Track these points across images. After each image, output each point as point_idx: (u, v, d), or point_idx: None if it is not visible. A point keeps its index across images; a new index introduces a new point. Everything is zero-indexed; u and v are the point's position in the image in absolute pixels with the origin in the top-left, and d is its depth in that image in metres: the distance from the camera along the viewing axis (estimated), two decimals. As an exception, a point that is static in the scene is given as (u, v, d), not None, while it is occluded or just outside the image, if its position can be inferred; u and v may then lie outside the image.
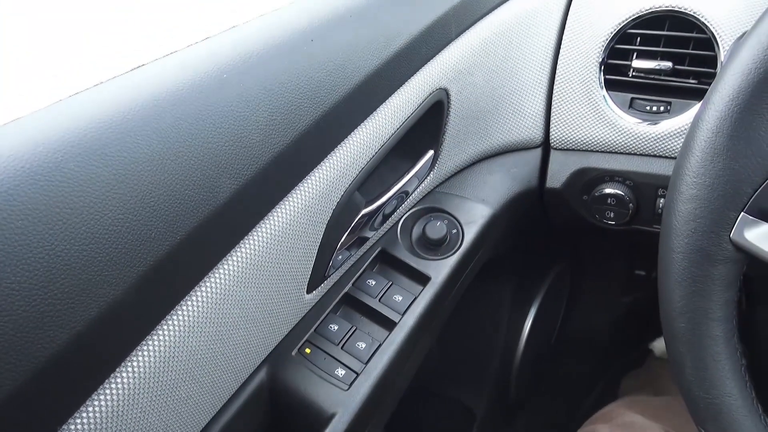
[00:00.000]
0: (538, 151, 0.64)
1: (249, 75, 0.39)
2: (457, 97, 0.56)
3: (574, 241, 0.96)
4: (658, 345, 1.04)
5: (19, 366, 0.28)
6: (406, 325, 0.53)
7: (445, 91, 0.55)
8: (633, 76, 0.58)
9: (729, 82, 0.32)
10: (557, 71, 0.60)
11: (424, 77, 0.52)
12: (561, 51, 0.60)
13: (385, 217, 0.57)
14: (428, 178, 0.60)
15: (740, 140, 0.33)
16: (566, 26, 0.60)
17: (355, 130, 0.47)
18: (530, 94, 0.61)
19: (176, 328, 0.37)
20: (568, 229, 0.81)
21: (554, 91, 0.60)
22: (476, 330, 0.84)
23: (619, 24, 0.57)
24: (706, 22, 0.53)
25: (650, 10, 0.55)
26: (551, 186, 0.63)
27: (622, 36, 0.58)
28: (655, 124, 0.56)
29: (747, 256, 0.35)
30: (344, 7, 0.47)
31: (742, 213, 0.34)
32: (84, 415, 0.33)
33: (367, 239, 0.56)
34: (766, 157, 0.33)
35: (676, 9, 0.54)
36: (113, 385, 0.34)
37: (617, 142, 0.58)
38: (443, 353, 0.84)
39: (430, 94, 0.53)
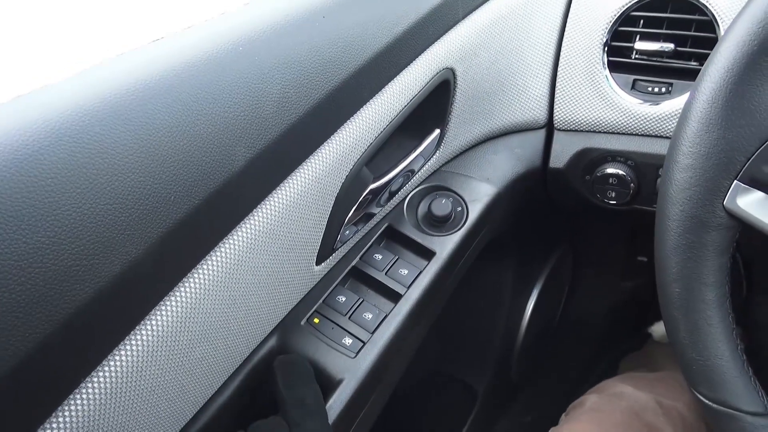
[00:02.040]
0: (542, 132, 0.65)
1: (264, 48, 0.41)
2: (463, 77, 0.58)
3: (577, 226, 0.98)
4: (657, 329, 1.05)
5: (48, 317, 0.30)
6: (411, 297, 0.54)
7: (452, 71, 0.56)
8: (636, 58, 0.59)
9: (724, 54, 0.34)
10: (561, 53, 0.62)
11: (432, 56, 0.53)
12: (565, 33, 0.61)
13: (392, 194, 0.58)
14: (434, 157, 0.61)
15: (734, 110, 0.34)
16: (571, 8, 0.61)
17: (364, 106, 0.48)
18: (534, 75, 0.63)
19: (193, 289, 0.39)
20: (571, 211, 0.82)
21: (558, 73, 0.62)
22: (479, 310, 0.86)
23: (623, 6, 0.58)
24: (707, 3, 0.54)
25: (653, -7, 0.56)
26: (554, 166, 0.64)
27: (626, 18, 0.59)
28: (657, 104, 0.58)
29: (740, 223, 0.36)
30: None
31: (735, 181, 0.35)
32: (105, 369, 0.34)
33: (373, 215, 0.57)
34: (759, 126, 0.34)
35: (677, -8, 0.55)
36: (133, 342, 0.36)
37: (619, 122, 0.60)
38: (446, 333, 0.86)
39: (438, 73, 0.55)
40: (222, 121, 0.38)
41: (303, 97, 0.42)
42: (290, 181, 0.44)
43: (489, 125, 0.64)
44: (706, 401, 0.39)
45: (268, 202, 0.43)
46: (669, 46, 0.56)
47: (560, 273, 0.97)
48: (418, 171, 0.60)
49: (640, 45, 0.58)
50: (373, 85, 0.49)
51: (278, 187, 0.43)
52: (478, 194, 0.62)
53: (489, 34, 0.59)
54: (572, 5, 0.61)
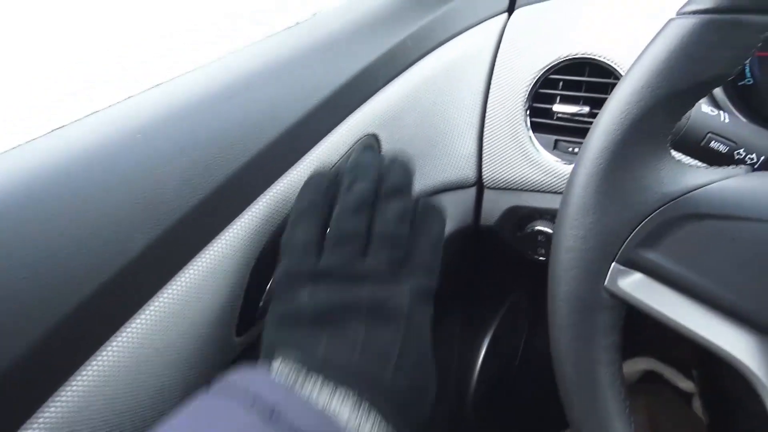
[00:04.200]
0: (473, 190, 0.66)
1: (163, 134, 0.42)
2: (388, 140, 0.59)
3: (531, 270, 0.98)
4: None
5: None
6: (337, 363, 0.54)
7: (375, 136, 0.57)
8: (556, 119, 0.60)
9: (594, 142, 0.35)
10: (487, 114, 0.63)
11: (352, 125, 0.54)
12: (489, 95, 0.63)
13: (322, 257, 0.59)
14: (365, 218, 0.62)
15: (606, 196, 0.35)
16: (494, 72, 0.63)
17: (279, 179, 0.49)
18: (462, 135, 0.64)
19: (89, 378, 0.39)
20: (510, 263, 0.83)
21: (485, 133, 0.63)
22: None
23: (541, 70, 0.59)
24: (618, 69, 0.56)
25: (568, 57, 0.58)
26: (485, 224, 0.65)
27: (546, 81, 0.60)
28: (578, 164, 0.59)
29: (624, 302, 0.37)
30: (265, 63, 0.50)
31: (614, 263, 0.36)
32: None
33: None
34: (630, 211, 0.35)
35: (592, 57, 0.57)
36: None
37: (543, 181, 0.61)
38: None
39: (358, 140, 0.56)
40: (115, 210, 0.38)
41: (206, 180, 0.43)
42: (199, 259, 0.44)
43: (420, 185, 0.65)
44: None
45: (174, 283, 0.43)
46: (585, 109, 0.58)
47: (515, 317, 0.97)
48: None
49: (558, 108, 0.59)
50: (288, 159, 0.49)
51: (186, 266, 0.43)
52: (410, 254, 0.62)
53: (413, 99, 0.60)
54: (495, 68, 0.63)
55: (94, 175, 0.38)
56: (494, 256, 0.73)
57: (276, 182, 0.49)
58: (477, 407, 0.91)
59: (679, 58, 0.32)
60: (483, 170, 0.64)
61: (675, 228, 0.34)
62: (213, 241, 0.45)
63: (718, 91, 0.52)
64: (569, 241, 0.36)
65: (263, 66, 0.50)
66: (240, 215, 0.46)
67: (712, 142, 0.43)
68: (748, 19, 0.31)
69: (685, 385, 0.99)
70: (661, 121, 0.34)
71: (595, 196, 0.35)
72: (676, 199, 0.34)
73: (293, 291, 0.41)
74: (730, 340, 0.35)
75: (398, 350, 0.38)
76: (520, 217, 0.64)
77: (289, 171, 0.50)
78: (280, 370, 0.36)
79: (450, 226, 0.65)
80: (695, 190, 0.34)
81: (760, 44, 0.31)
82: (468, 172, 0.65)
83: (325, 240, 0.42)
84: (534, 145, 0.61)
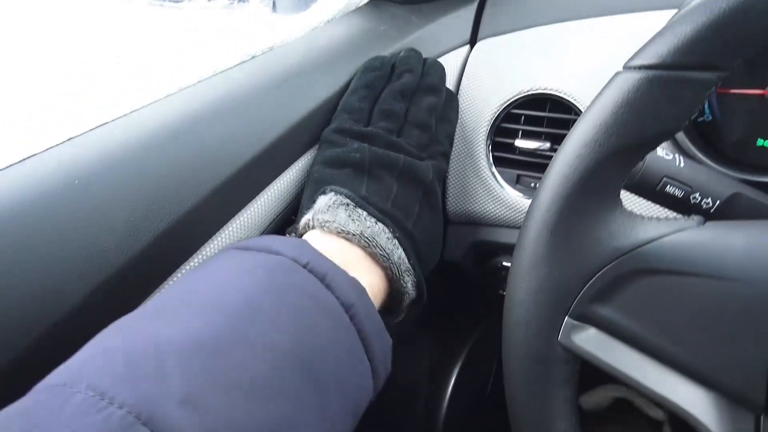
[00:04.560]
0: (437, 224, 0.65)
1: (102, 181, 0.40)
2: (348, 176, 0.58)
3: (497, 302, 0.97)
4: (586, 400, 1.05)
5: None
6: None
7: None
8: (519, 154, 0.60)
9: (544, 194, 0.34)
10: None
11: (308, 163, 0.53)
12: (452, 128, 0.62)
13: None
14: (326, 253, 0.60)
15: (558, 250, 0.34)
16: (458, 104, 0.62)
17: (229, 222, 0.47)
18: (425, 169, 0.63)
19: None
20: (478, 295, 0.82)
21: (449, 167, 0.62)
22: (395, 399, 0.83)
23: (503, 104, 0.59)
24: (578, 105, 0.55)
25: (529, 92, 0.58)
26: (449, 259, 0.64)
27: (508, 116, 0.60)
28: (541, 200, 0.58)
29: (579, 356, 0.36)
30: (218, 99, 0.48)
31: (567, 318, 0.35)
32: None
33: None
34: (581, 265, 0.34)
35: (553, 92, 0.57)
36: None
37: (506, 216, 0.60)
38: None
39: (316, 177, 0.54)
40: (52, 260, 0.36)
41: (150, 227, 0.41)
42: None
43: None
44: None
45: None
46: (547, 145, 0.57)
47: (484, 348, 0.96)
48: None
49: (519, 143, 0.59)
50: (242, 196, 0.48)
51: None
52: (372, 290, 0.61)
53: (374, 133, 0.59)
54: (459, 101, 0.62)
55: (27, 224, 0.36)
56: (462, 288, 0.72)
57: (226, 225, 0.47)
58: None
59: (626, 113, 0.31)
60: (447, 204, 0.63)
61: (627, 283, 0.33)
62: (157, 290, 0.43)
63: (679, 134, 0.52)
64: (522, 294, 0.35)
65: (216, 102, 0.48)
66: (188, 260, 0.45)
67: (668, 186, 0.42)
68: (692, 76, 0.31)
69: (655, 413, 0.99)
70: (611, 174, 0.33)
71: (547, 249, 0.34)
72: (627, 253, 0.33)
73: (343, 141, 0.49)
74: (684, 397, 0.34)
75: (418, 208, 0.47)
76: (484, 252, 0.63)
77: (240, 213, 0.48)
78: (333, 197, 0.44)
79: (413, 261, 0.64)
80: (647, 244, 0.33)
81: (706, 100, 0.31)
82: (431, 205, 0.64)
83: (372, 112, 0.51)
84: (497, 180, 0.60)
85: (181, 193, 0.43)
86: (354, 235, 0.42)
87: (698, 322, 0.32)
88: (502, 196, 0.60)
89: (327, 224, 0.42)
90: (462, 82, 0.62)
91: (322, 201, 0.44)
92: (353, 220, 0.42)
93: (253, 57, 0.54)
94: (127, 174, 0.41)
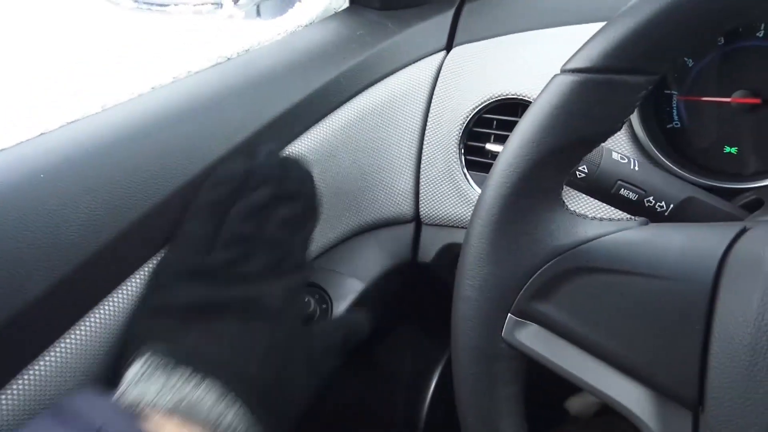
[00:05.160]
0: (411, 226, 0.66)
1: (68, 174, 0.41)
2: (321, 177, 0.58)
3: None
4: (574, 404, 1.05)
5: None
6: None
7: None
8: (491, 157, 0.61)
9: (487, 193, 0.35)
10: (423, 151, 0.63)
11: (279, 162, 0.54)
12: (426, 132, 0.63)
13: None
14: (300, 253, 0.61)
15: (500, 248, 0.35)
16: (430, 109, 0.63)
17: (198, 218, 0.48)
18: (399, 172, 0.64)
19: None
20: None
21: (421, 170, 0.63)
22: (373, 404, 0.84)
23: (475, 108, 0.60)
24: (547, 110, 0.56)
25: (500, 97, 0.59)
26: (422, 260, 0.65)
27: (480, 120, 0.61)
28: (511, 203, 0.59)
29: (522, 353, 0.37)
30: (189, 100, 0.50)
31: (509, 314, 0.36)
32: None
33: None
34: (522, 263, 0.35)
35: (523, 97, 0.58)
36: None
37: (478, 219, 0.61)
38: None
39: (287, 177, 0.55)
40: (12, 251, 0.38)
41: (115, 220, 0.42)
42: (104, 305, 0.43)
43: (356, 220, 0.64)
44: None
45: (75, 331, 0.41)
46: (516, 149, 0.58)
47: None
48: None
49: (491, 147, 0.60)
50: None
51: (89, 313, 0.42)
52: (345, 290, 0.61)
53: (347, 135, 0.60)
54: (432, 105, 0.63)
55: None
56: (438, 291, 0.72)
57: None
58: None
59: (560, 114, 0.32)
60: (420, 207, 0.64)
61: (566, 281, 0.34)
62: (120, 285, 0.43)
63: (641, 134, 0.53)
64: (466, 291, 0.36)
65: (186, 103, 0.49)
66: (152, 258, 0.45)
67: (622, 189, 0.43)
68: (623, 80, 0.31)
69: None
70: (550, 174, 0.34)
71: (490, 247, 0.35)
72: (566, 251, 0.34)
73: (171, 285, 0.42)
74: (623, 393, 0.34)
75: (267, 345, 0.41)
76: (456, 255, 0.63)
77: (211, 209, 0.49)
78: (147, 361, 0.38)
79: (388, 262, 0.65)
80: (586, 242, 0.34)
81: (638, 103, 0.32)
82: (405, 208, 0.65)
83: (217, 239, 0.44)
84: (469, 182, 0.61)
85: (147, 189, 0.44)
86: (169, 409, 0.36)
87: (633, 319, 0.33)
88: (474, 199, 0.61)
89: (138, 400, 0.36)
90: (436, 87, 0.64)
91: (134, 369, 0.38)
92: (169, 388, 0.37)
93: (228, 59, 0.55)
94: (94, 169, 0.42)
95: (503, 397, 0.37)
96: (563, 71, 0.33)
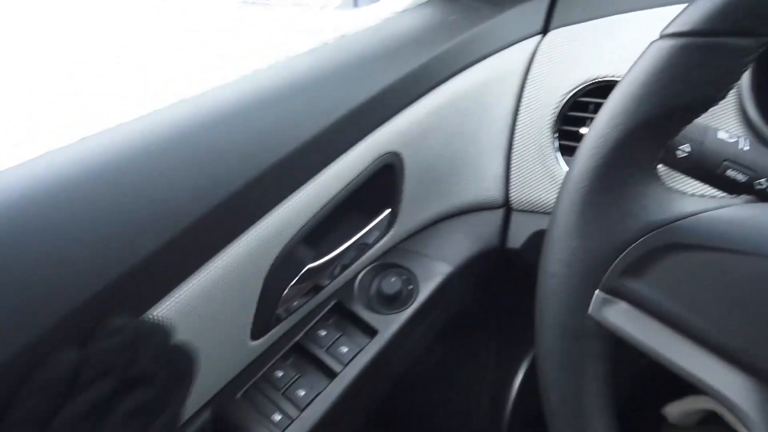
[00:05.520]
0: (501, 212, 0.65)
1: (176, 147, 0.45)
2: (411, 160, 0.60)
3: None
4: (672, 410, 0.99)
5: None
6: (347, 376, 0.55)
7: (397, 155, 0.58)
8: (586, 142, 0.59)
9: (577, 165, 0.34)
10: (515, 135, 0.62)
11: (371, 143, 0.56)
12: (518, 117, 0.62)
13: (344, 268, 0.60)
14: (389, 234, 0.63)
15: (589, 222, 0.34)
16: (524, 93, 0.62)
17: (293, 193, 0.51)
18: (490, 157, 0.63)
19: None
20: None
21: (512, 155, 0.62)
22: (459, 391, 0.84)
23: (570, 91, 0.58)
24: (648, 92, 0.54)
25: (597, 80, 0.57)
26: (511, 246, 0.64)
27: (576, 104, 0.59)
28: (606, 189, 0.57)
29: (610, 331, 0.35)
30: (287, 81, 0.52)
31: (597, 291, 0.35)
32: None
33: (322, 288, 0.59)
34: (613, 238, 0.34)
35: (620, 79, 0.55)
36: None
37: (570, 206, 0.59)
38: (424, 417, 0.84)
39: (378, 157, 0.57)
40: (125, 215, 0.42)
41: (218, 190, 0.45)
42: (210, 266, 0.46)
43: (446, 205, 0.65)
44: None
45: (185, 287, 0.45)
46: (613, 133, 0.56)
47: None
48: (373, 246, 0.62)
49: (585, 131, 0.58)
50: (302, 173, 0.51)
51: (197, 272, 0.46)
52: (431, 273, 0.62)
53: (439, 119, 0.60)
54: (525, 89, 0.62)
55: (107, 182, 0.42)
56: (527, 283, 0.71)
57: (290, 196, 0.51)
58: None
59: (657, 81, 0.31)
60: (510, 192, 0.63)
61: (660, 258, 0.33)
62: (224, 249, 0.47)
63: (752, 112, 0.49)
64: (553, 266, 0.36)
65: (285, 84, 0.52)
66: (252, 225, 0.49)
67: (729, 170, 0.40)
68: (728, 42, 0.29)
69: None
70: (645, 145, 0.32)
71: (579, 221, 0.34)
72: (661, 227, 0.33)
73: None
74: (720, 379, 0.33)
75: None
76: (546, 242, 0.62)
77: (305, 186, 0.52)
78: None
79: (475, 247, 0.65)
80: (683, 218, 0.32)
81: (745, 69, 0.30)
82: (495, 193, 0.64)
83: None
84: (561, 167, 0.59)
85: (247, 163, 0.47)
86: None
87: (733, 300, 0.31)
88: (566, 185, 0.59)
89: None
90: (531, 70, 0.62)
91: None
92: None
93: (324, 44, 0.58)
94: (199, 143, 0.46)
95: (589, 376, 0.36)
96: (662, 36, 0.32)
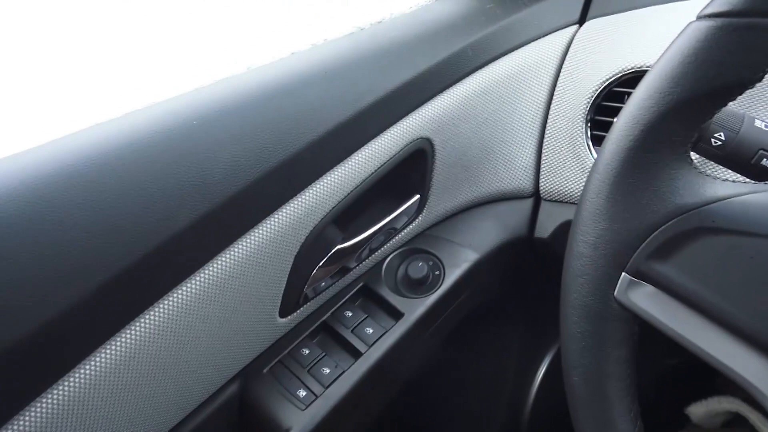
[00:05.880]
0: (530, 201, 0.65)
1: (217, 123, 0.46)
2: (442, 146, 0.60)
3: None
4: (696, 410, 0.97)
5: None
6: (371, 356, 0.56)
7: (428, 141, 0.59)
8: (619, 133, 0.58)
9: (608, 146, 0.34)
10: (547, 125, 0.62)
11: (403, 128, 0.56)
12: (551, 106, 0.62)
13: (372, 251, 0.61)
14: (417, 220, 0.63)
15: (617, 203, 0.34)
16: (558, 83, 0.62)
17: (326, 173, 0.52)
18: (520, 145, 0.63)
19: (139, 333, 0.44)
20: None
21: (544, 145, 0.62)
22: (481, 381, 0.84)
23: (603, 83, 0.58)
24: (685, 83, 0.53)
25: (632, 70, 0.56)
26: (540, 236, 0.64)
27: (609, 93, 0.59)
28: (638, 181, 0.57)
29: (635, 315, 0.36)
30: (324, 64, 0.53)
31: (624, 273, 0.35)
32: (47, 399, 0.40)
33: (350, 270, 0.60)
34: (642, 220, 0.34)
35: (658, 69, 0.55)
36: (77, 375, 0.41)
37: (600, 196, 0.59)
38: (445, 405, 0.84)
39: (410, 143, 0.57)
40: (165, 186, 0.43)
41: (254, 166, 0.47)
42: (243, 240, 0.48)
43: (475, 192, 0.65)
44: None
45: (218, 260, 0.47)
46: (648, 124, 0.55)
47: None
48: (401, 231, 0.63)
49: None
50: (334, 155, 0.52)
51: (231, 246, 0.47)
52: (458, 259, 0.63)
53: (471, 106, 0.61)
54: (559, 78, 0.62)
55: (150, 155, 0.43)
56: (553, 273, 0.71)
57: (322, 176, 0.52)
58: (533, 425, 0.89)
59: (692, 62, 0.31)
60: (540, 182, 0.63)
61: (689, 241, 0.33)
62: (258, 224, 0.48)
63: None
64: (580, 247, 0.36)
65: (322, 67, 0.53)
66: (286, 203, 0.50)
67: (765, 159, 0.40)
68: (766, 23, 0.29)
69: (774, 436, 0.89)
70: (677, 128, 0.32)
71: (607, 202, 0.34)
72: (691, 210, 0.32)
73: None
74: (748, 366, 0.32)
75: None
76: (575, 232, 0.62)
77: (338, 166, 0.53)
78: None
79: (504, 236, 0.65)
80: (714, 202, 0.32)
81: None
82: (525, 182, 0.64)
83: None
84: (592, 158, 0.59)
85: (283, 142, 0.48)
86: None
87: (764, 286, 0.31)
88: (597, 175, 0.59)
89: None
90: (566, 60, 0.62)
91: None
92: None
93: (361, 29, 0.58)
94: (238, 121, 0.47)
95: (612, 359, 0.36)
96: (699, 17, 0.31)
